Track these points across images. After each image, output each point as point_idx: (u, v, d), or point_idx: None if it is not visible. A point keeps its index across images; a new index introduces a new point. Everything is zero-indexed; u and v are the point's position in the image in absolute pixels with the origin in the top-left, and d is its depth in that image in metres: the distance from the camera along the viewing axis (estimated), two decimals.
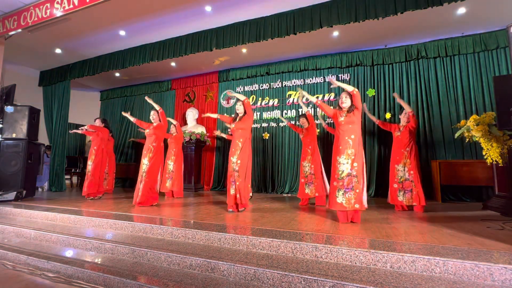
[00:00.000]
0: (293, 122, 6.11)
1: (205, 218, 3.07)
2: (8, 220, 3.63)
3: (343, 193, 2.84)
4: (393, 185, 3.72)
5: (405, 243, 2.12)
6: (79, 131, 4.91)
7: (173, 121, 5.42)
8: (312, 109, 5.91)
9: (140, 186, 3.97)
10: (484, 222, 2.91)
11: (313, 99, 3.44)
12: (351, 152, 2.87)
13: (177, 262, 2.21)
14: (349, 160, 2.86)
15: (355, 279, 1.74)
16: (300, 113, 4.44)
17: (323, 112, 4.66)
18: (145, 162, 4.06)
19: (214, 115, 4.12)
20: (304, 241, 2.15)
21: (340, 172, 2.88)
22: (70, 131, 5.29)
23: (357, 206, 2.79)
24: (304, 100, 5.75)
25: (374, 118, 4.15)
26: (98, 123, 5.06)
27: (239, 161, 3.54)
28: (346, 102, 3.02)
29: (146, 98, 4.38)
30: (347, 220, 2.87)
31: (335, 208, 2.89)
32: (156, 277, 2.05)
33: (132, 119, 4.28)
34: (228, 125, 3.89)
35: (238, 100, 3.74)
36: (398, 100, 3.93)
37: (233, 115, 3.89)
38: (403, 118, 3.83)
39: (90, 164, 4.73)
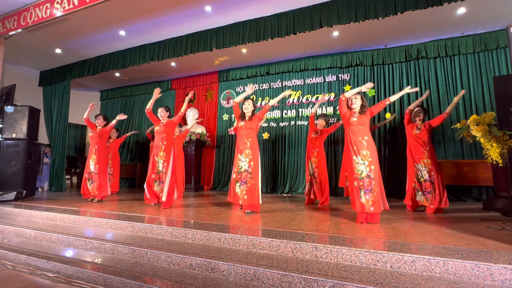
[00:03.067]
0: (293, 123, 6.13)
1: (205, 218, 3.07)
2: (8, 220, 3.63)
3: (363, 193, 2.83)
4: (412, 184, 3.59)
5: (405, 243, 2.11)
6: (86, 114, 4.49)
7: None
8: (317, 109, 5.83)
9: (158, 187, 3.87)
10: (484, 222, 2.91)
11: (348, 93, 3.07)
12: (366, 153, 2.87)
13: (177, 262, 2.21)
14: (366, 162, 2.85)
15: (355, 279, 1.74)
16: (321, 114, 4.35)
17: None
18: (159, 161, 3.90)
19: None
20: (304, 241, 2.15)
21: (359, 172, 2.86)
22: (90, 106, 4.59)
23: (372, 209, 2.77)
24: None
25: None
26: (100, 121, 4.64)
27: (252, 162, 3.44)
28: (356, 103, 3.01)
29: (191, 94, 4.13)
30: (365, 221, 2.85)
31: (358, 209, 2.84)
32: (156, 277, 2.05)
33: (149, 106, 3.99)
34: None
35: (247, 99, 3.58)
36: (456, 100, 3.65)
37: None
38: (419, 116, 3.62)
39: (92, 164, 4.39)
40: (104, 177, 4.44)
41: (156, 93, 4.02)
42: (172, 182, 3.89)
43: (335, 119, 5.70)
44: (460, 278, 1.73)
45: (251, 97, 3.61)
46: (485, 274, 1.70)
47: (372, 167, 2.84)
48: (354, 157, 2.91)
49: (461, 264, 1.74)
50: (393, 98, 3.20)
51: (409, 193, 3.61)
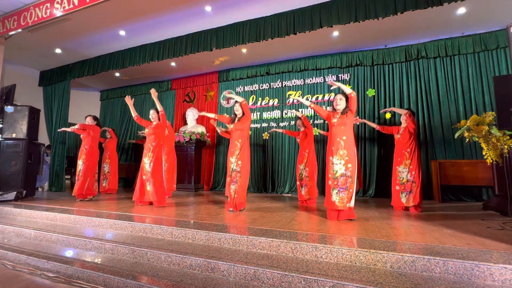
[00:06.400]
0: (293, 123, 6.12)
1: (205, 218, 3.07)
2: (8, 220, 3.63)
3: (337, 192, 2.91)
4: (395, 187, 3.69)
5: (405, 243, 2.12)
6: (68, 129, 4.72)
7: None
8: (304, 110, 5.88)
9: (149, 187, 3.93)
10: (484, 222, 2.91)
11: (306, 103, 3.48)
12: (343, 153, 2.93)
13: (177, 262, 2.21)
14: (342, 161, 2.93)
15: (355, 279, 1.74)
16: (296, 117, 4.51)
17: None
18: (146, 162, 3.99)
19: (212, 115, 3.96)
20: (304, 241, 2.15)
21: (334, 172, 2.95)
22: (58, 130, 5.24)
23: (348, 205, 2.88)
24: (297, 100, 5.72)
25: (374, 125, 4.17)
26: (89, 121, 4.74)
27: (239, 162, 3.54)
28: (340, 104, 3.07)
29: (152, 91, 4.08)
30: (336, 218, 2.95)
31: (329, 206, 2.97)
32: (156, 277, 2.05)
33: (133, 114, 4.09)
34: (227, 126, 3.90)
35: (237, 101, 3.74)
36: (391, 109, 4.22)
37: (231, 116, 3.88)
38: (402, 120, 3.84)
39: (80, 164, 4.52)
40: (86, 176, 4.49)
41: (129, 101, 4.10)
42: (160, 182, 3.95)
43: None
44: (460, 278, 1.73)
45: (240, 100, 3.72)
46: (485, 274, 1.70)
47: (349, 165, 2.91)
48: (330, 157, 3.01)
49: (461, 264, 1.74)
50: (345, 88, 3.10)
51: (394, 196, 3.72)
